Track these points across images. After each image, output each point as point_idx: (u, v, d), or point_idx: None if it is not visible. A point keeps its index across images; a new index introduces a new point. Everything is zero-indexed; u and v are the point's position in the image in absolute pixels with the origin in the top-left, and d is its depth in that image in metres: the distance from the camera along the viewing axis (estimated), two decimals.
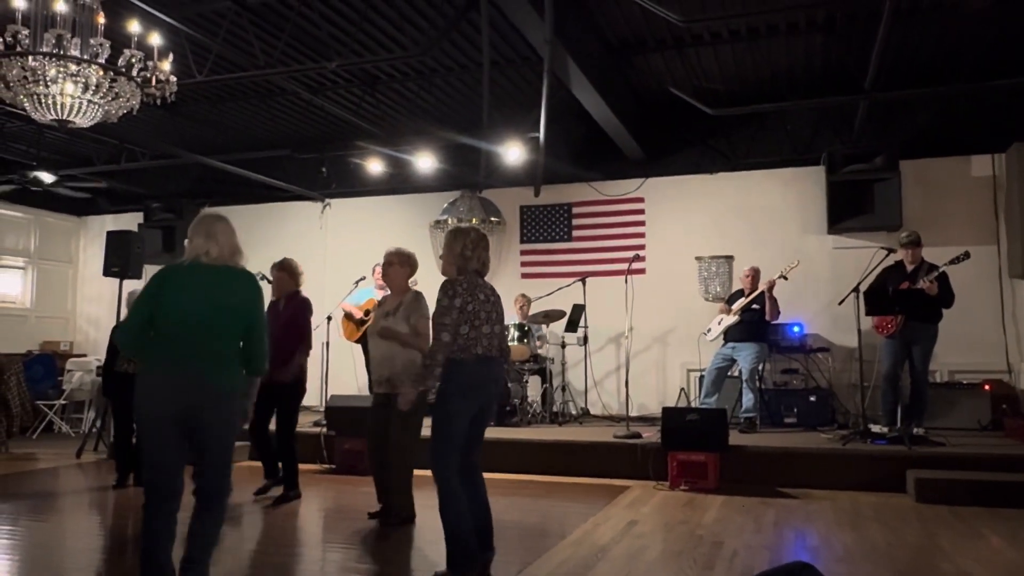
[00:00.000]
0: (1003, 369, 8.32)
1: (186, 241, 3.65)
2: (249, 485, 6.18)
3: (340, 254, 10.58)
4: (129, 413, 6.55)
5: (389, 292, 5.54)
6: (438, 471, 3.84)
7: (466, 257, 3.98)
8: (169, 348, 3.39)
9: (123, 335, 3.52)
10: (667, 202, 9.66)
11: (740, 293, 8.23)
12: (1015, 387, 8.20)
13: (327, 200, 11.15)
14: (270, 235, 10.83)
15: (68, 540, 5.09)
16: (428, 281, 6.00)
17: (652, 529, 5.06)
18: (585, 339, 9.06)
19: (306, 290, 6.18)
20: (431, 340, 3.88)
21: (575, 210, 10.06)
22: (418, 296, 5.22)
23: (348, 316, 8.80)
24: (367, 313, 8.58)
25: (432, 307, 3.96)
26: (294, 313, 5.95)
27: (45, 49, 5.02)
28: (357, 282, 8.92)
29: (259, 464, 6.18)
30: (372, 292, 8.66)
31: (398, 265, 5.30)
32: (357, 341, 8.75)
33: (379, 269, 8.66)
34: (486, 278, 4.14)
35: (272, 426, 6.01)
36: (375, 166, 9.90)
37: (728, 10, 6.66)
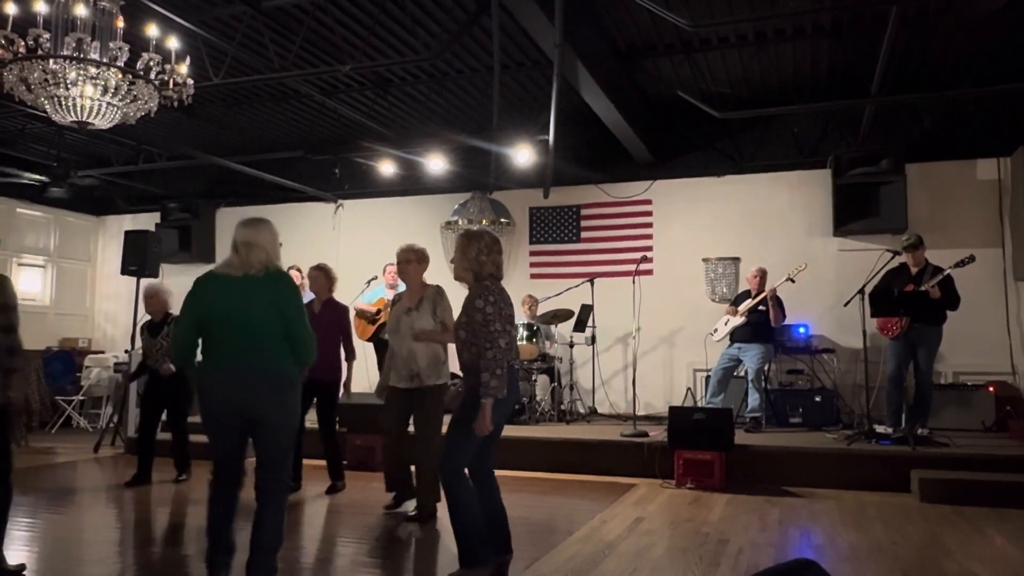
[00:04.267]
0: (1007, 371, 8.27)
1: None
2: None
3: (353, 254, 10.59)
4: (155, 409, 6.60)
5: (403, 289, 5.51)
6: (450, 469, 3.76)
7: (481, 262, 3.86)
8: (216, 352, 3.56)
9: (172, 341, 3.69)
10: (674, 204, 9.65)
11: (746, 294, 8.20)
12: (1019, 388, 8.16)
13: (340, 201, 11.18)
14: (284, 235, 10.70)
15: (86, 533, 5.11)
16: (439, 281, 6.02)
17: (658, 526, 5.05)
18: (593, 339, 9.05)
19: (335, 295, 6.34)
20: (486, 350, 3.68)
21: (584, 212, 10.06)
22: (440, 291, 5.22)
23: (360, 314, 8.81)
24: (379, 312, 8.60)
25: (455, 305, 3.93)
26: (340, 322, 6.19)
27: (66, 52, 5.06)
28: (369, 281, 8.94)
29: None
30: (383, 291, 8.68)
31: (416, 263, 5.30)
32: (369, 339, 8.76)
33: (391, 269, 8.74)
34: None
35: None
36: (387, 167, 9.92)
37: (736, 15, 6.64)
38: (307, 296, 8.31)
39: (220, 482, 3.65)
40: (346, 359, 6.24)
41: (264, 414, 3.51)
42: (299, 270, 8.81)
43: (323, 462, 6.26)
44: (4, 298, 3.76)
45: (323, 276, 6.18)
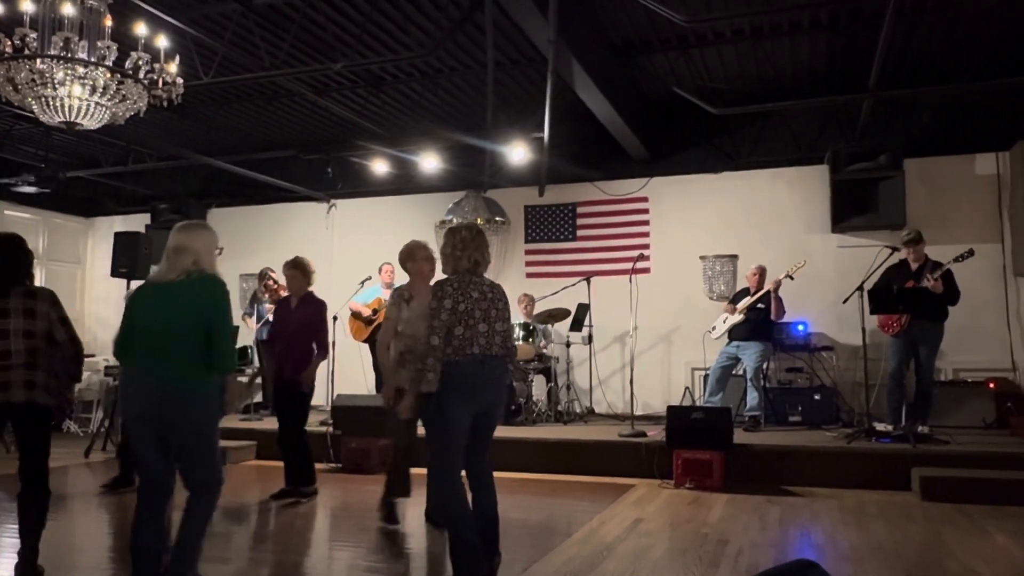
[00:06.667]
0: (1008, 367, 8.29)
1: None
2: (258, 485, 6.17)
3: (346, 254, 10.58)
4: None
5: (407, 289, 5.16)
6: (437, 474, 3.78)
7: (456, 257, 3.90)
8: (133, 359, 3.55)
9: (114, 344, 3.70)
10: (671, 201, 9.65)
11: (745, 292, 8.22)
12: (1020, 385, 8.17)
13: (333, 201, 11.16)
14: (276, 236, 10.84)
15: (77, 539, 5.11)
16: (434, 280, 6.01)
17: (658, 527, 5.05)
18: (590, 338, 9.05)
19: (313, 290, 6.21)
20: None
21: (579, 210, 10.05)
22: None
23: (356, 315, 8.79)
24: (375, 312, 8.59)
25: None
26: (312, 317, 5.99)
27: (53, 52, 5.03)
28: (363, 282, 8.92)
29: (267, 464, 6.20)
30: (379, 291, 8.66)
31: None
32: (365, 340, 8.74)
33: (387, 268, 8.73)
34: (492, 276, 4.09)
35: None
36: (380, 166, 9.90)
37: (732, 10, 6.64)
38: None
39: (144, 496, 3.54)
40: (316, 357, 6.02)
41: (172, 428, 3.43)
42: (273, 271, 8.68)
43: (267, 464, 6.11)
44: (63, 311, 4.02)
45: (300, 273, 6.01)
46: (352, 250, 10.52)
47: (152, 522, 3.50)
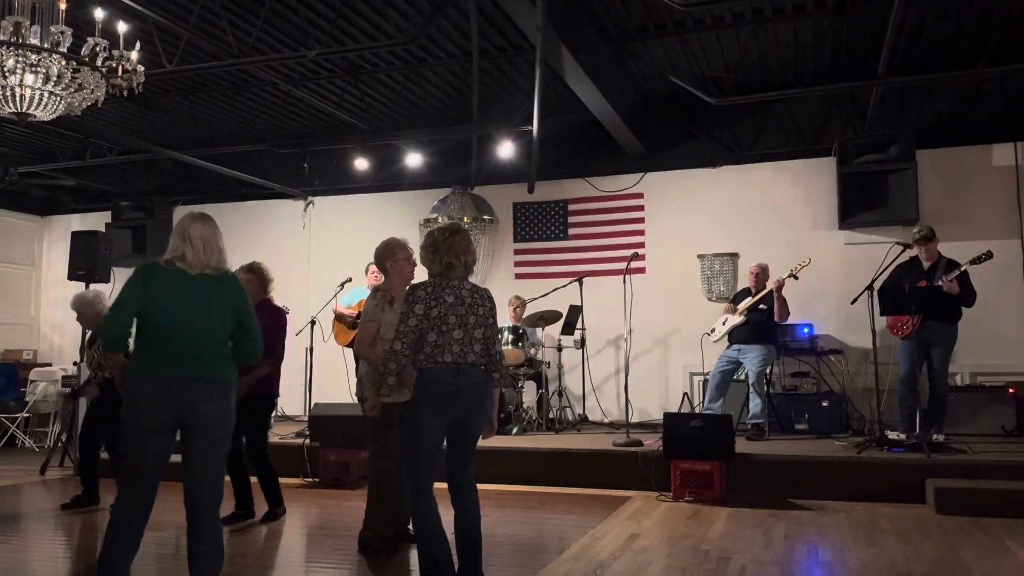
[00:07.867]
0: None
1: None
2: (228, 501, 6.09)
3: (325, 255, 10.54)
4: (97, 425, 6.48)
5: (388, 291, 5.04)
6: (411, 485, 3.83)
7: (428, 259, 3.97)
8: (158, 351, 3.49)
9: (107, 326, 3.61)
10: (668, 197, 9.65)
11: (746, 292, 8.22)
12: None
13: (310, 198, 11.12)
14: (249, 236, 10.77)
15: (34, 563, 5.03)
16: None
17: (655, 543, 5.03)
18: (582, 342, 9.04)
19: (289, 294, 6.13)
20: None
21: (571, 207, 10.05)
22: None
23: (339, 318, 8.72)
24: (359, 316, 8.51)
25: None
26: (266, 326, 5.86)
27: (2, 37, 4.99)
28: (343, 284, 8.87)
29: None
30: (364, 293, 8.58)
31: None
32: (348, 345, 8.67)
33: (374, 269, 8.66)
34: (479, 277, 4.08)
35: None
36: (360, 162, 9.86)
37: None
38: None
39: (130, 505, 3.45)
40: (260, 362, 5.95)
41: (205, 418, 3.46)
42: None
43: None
44: None
45: (256, 279, 5.79)
46: (331, 250, 10.49)
47: (131, 545, 3.47)
